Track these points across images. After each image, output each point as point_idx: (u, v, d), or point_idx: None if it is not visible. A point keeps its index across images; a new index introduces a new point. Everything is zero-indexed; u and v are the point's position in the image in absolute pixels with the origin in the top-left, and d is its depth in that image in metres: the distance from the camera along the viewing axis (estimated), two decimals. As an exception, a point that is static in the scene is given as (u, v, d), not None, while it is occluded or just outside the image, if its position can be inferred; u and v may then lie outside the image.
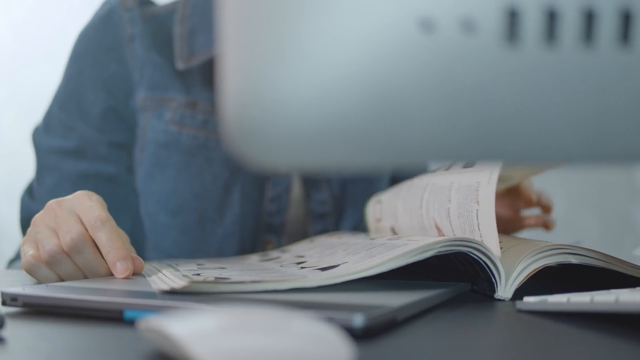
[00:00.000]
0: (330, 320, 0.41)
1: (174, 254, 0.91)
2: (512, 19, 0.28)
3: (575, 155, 0.30)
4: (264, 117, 0.30)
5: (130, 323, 0.46)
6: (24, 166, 1.89)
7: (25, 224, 0.93)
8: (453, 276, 0.63)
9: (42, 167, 0.93)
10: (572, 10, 0.28)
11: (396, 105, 0.29)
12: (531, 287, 0.58)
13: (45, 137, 0.93)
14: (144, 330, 0.38)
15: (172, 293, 0.49)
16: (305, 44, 0.29)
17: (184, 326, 0.34)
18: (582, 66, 0.29)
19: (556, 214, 2.30)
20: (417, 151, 0.30)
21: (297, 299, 0.47)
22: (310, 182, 0.97)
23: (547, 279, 0.59)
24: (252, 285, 0.50)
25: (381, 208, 0.83)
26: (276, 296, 0.49)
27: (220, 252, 0.91)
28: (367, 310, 0.43)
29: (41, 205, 0.90)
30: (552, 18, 0.28)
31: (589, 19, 0.29)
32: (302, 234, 0.96)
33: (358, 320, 0.41)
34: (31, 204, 0.92)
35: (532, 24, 0.28)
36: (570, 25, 0.29)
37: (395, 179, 1.07)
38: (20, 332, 0.44)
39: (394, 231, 0.76)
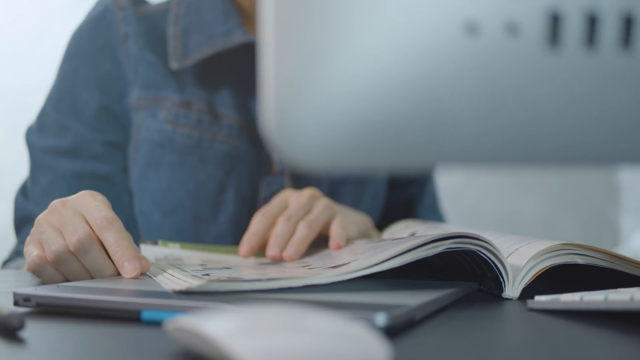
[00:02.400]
0: (352, 319, 0.41)
1: (168, 254, 0.91)
2: (555, 22, 0.29)
3: (613, 157, 0.30)
4: (306, 118, 0.30)
5: (147, 323, 0.46)
6: (5, 165, 1.88)
7: (19, 223, 0.92)
8: (457, 276, 0.63)
9: (36, 166, 0.92)
10: (611, 14, 0.29)
11: (439, 107, 0.30)
12: (534, 287, 0.58)
13: (39, 136, 0.92)
14: (172, 331, 0.38)
15: (188, 293, 0.49)
16: (349, 45, 0.29)
17: (218, 325, 0.34)
18: (620, 69, 0.30)
19: (535, 215, 2.33)
20: (458, 152, 0.30)
21: (313, 299, 0.48)
22: (300, 183, 0.96)
23: (547, 279, 0.60)
24: (268, 283, 0.50)
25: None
26: (292, 295, 0.49)
27: (214, 251, 0.91)
28: (386, 309, 0.43)
29: (35, 205, 0.90)
30: (592, 23, 0.29)
31: (628, 23, 0.29)
32: None
33: (380, 319, 0.42)
34: (25, 203, 0.92)
35: (573, 28, 0.29)
36: (609, 30, 0.29)
37: (393, 180, 1.08)
38: (38, 332, 0.44)
39: None
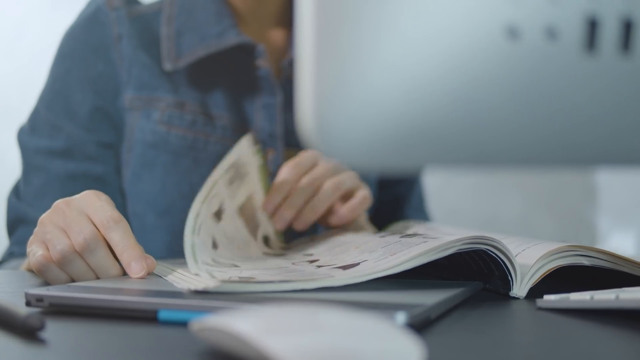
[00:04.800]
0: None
1: (162, 255, 0.91)
2: (592, 27, 0.30)
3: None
4: (346, 118, 0.30)
5: (163, 323, 0.46)
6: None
7: (11, 225, 0.91)
8: (461, 274, 0.64)
9: (29, 167, 0.91)
10: (646, 20, 0.30)
11: (479, 109, 0.30)
12: (536, 287, 0.59)
13: (31, 137, 0.92)
14: (199, 330, 0.38)
15: (204, 293, 0.49)
16: (390, 47, 0.30)
17: (250, 324, 0.35)
18: (653, 73, 0.30)
19: (512, 215, 2.34)
20: (497, 153, 0.31)
21: (327, 298, 0.48)
22: None
23: (545, 279, 0.61)
24: (281, 284, 0.51)
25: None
26: (306, 295, 0.49)
27: (207, 252, 0.91)
28: (404, 308, 0.44)
29: (29, 206, 0.89)
30: (628, 28, 0.30)
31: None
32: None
33: (400, 318, 0.42)
34: (18, 204, 0.91)
35: (609, 33, 0.30)
36: (644, 35, 0.30)
37: (381, 180, 1.08)
38: (57, 333, 0.44)
39: None
